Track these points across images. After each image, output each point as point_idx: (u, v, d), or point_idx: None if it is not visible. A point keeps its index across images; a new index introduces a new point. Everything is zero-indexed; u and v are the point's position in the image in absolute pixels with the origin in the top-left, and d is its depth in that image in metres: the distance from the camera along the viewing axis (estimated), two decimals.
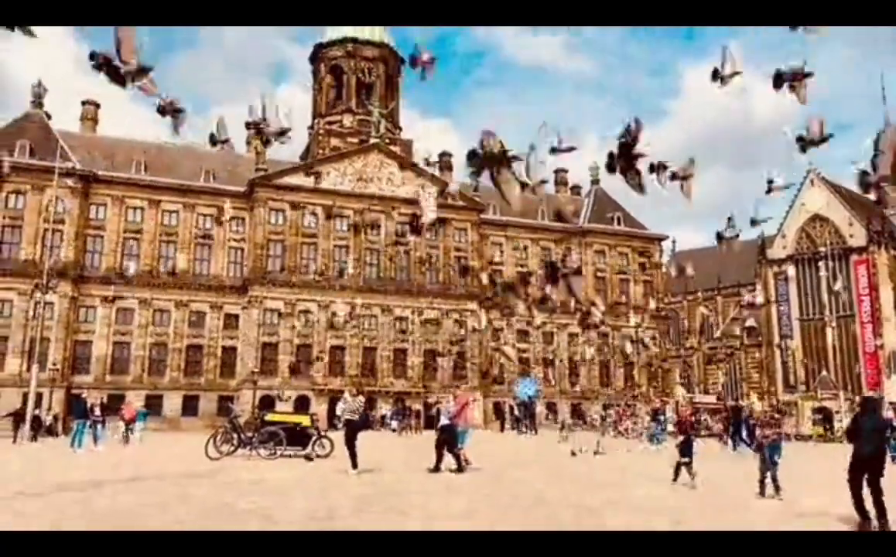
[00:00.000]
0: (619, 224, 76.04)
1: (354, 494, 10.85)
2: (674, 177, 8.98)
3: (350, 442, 14.42)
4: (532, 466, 18.80)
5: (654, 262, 78.00)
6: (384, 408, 56.85)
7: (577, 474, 16.28)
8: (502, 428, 45.86)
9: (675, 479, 13.58)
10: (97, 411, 25.68)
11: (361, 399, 15.16)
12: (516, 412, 47.36)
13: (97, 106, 68.30)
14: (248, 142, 71.11)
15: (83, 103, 67.83)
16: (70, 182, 55.94)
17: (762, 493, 12.07)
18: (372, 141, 68.16)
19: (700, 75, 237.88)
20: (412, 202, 66.92)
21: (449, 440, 14.92)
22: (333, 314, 63.03)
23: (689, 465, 14.41)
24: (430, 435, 38.04)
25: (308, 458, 17.76)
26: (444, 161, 73.46)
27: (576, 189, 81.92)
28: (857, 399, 42.69)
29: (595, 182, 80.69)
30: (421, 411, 48.42)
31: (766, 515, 10.09)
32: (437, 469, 14.67)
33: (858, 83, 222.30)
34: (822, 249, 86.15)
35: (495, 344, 65.53)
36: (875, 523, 8.80)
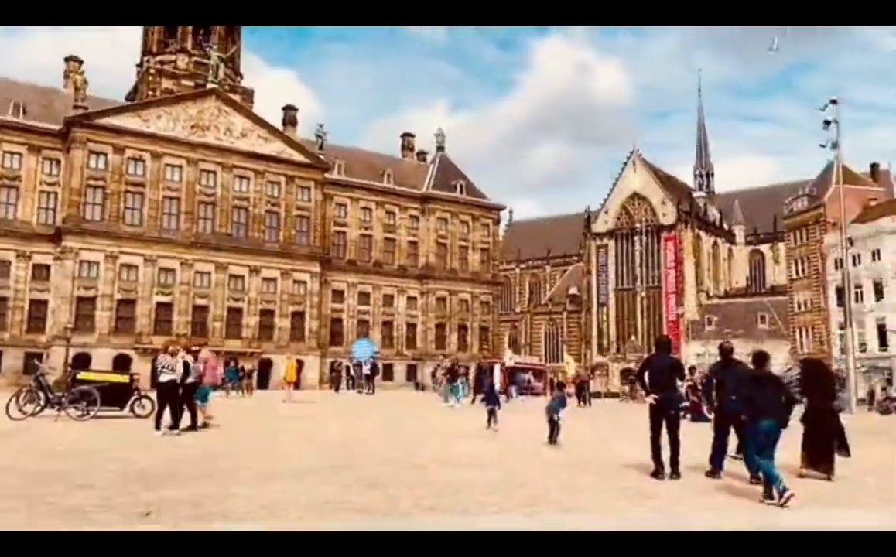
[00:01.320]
0: (461, 192, 78.09)
1: (169, 456, 10.71)
2: None
3: (168, 402, 13.97)
4: (363, 422, 19.34)
5: (493, 231, 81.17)
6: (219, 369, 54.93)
7: (406, 430, 17.01)
8: (336, 389, 46.11)
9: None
10: None
11: (183, 356, 14.67)
12: (352, 372, 47.72)
13: None
14: (67, 77, 64.89)
15: None
16: None
17: (551, 442, 13.39)
18: (209, 86, 64.45)
19: (548, 49, 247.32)
20: (253, 155, 64.70)
21: (189, 397, 14.24)
22: (161, 269, 59.69)
23: (493, 413, 16.96)
24: (264, 396, 37.73)
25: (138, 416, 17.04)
26: (289, 115, 71.37)
27: (422, 154, 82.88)
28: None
29: (440, 149, 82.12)
30: (255, 372, 47.42)
31: (550, 456, 11.38)
32: (175, 426, 13.90)
33: (679, 75, 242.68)
34: (639, 225, 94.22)
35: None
36: (668, 472, 9.29)
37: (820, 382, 11.22)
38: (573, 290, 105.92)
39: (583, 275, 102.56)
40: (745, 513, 7.36)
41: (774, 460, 8.06)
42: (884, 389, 49.16)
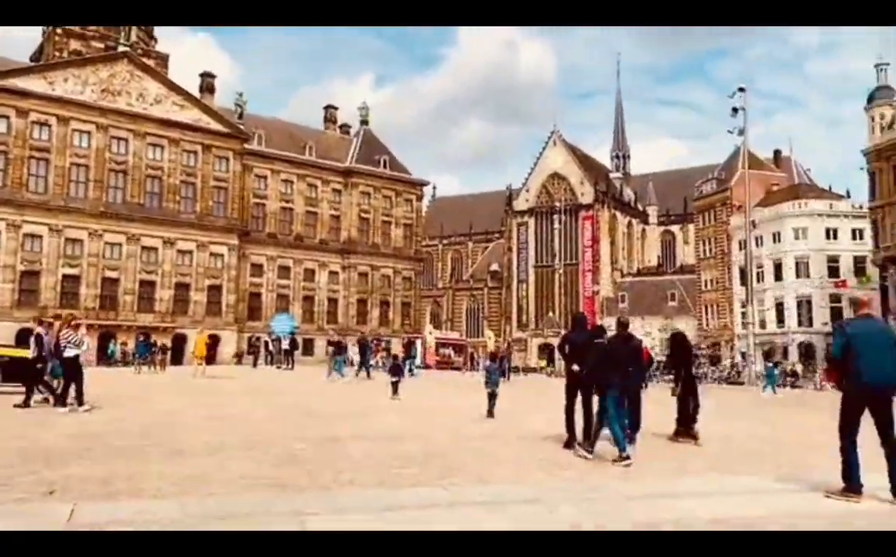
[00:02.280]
0: (385, 167, 77.56)
1: (75, 433, 10.31)
2: None
3: (74, 378, 13.40)
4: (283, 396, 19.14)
5: (416, 206, 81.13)
6: (129, 344, 52.89)
7: (318, 404, 16.95)
8: (255, 364, 45.26)
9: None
10: None
11: (37, 329, 14.08)
12: (271, 347, 46.98)
13: None
14: None
15: None
16: None
17: (490, 415, 13.64)
18: (121, 49, 61.33)
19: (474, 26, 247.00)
20: (167, 122, 62.05)
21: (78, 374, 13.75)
22: (68, 240, 56.77)
23: (396, 385, 19.00)
24: (178, 371, 36.63)
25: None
26: (207, 82, 68.77)
27: (345, 128, 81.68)
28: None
29: (364, 122, 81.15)
30: (169, 346, 45.93)
31: (468, 429, 11.62)
32: (62, 403, 13.45)
33: (601, 57, 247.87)
34: (558, 204, 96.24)
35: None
36: (581, 445, 9.37)
37: (686, 354, 11.89)
38: (494, 267, 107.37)
39: (504, 251, 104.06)
40: (651, 481, 7.77)
41: (620, 425, 8.87)
42: (779, 363, 52.36)
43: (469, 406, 17.13)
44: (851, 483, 6.59)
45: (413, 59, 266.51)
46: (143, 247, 60.33)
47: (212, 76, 69.24)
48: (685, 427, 11.08)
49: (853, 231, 61.52)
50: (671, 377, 11.80)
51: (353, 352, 49.25)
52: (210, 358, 36.27)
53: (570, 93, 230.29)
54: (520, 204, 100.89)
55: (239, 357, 50.37)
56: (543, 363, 67.90)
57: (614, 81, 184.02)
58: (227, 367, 44.71)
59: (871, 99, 55.29)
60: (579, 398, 9.96)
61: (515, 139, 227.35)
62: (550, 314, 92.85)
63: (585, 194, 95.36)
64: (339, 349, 28.67)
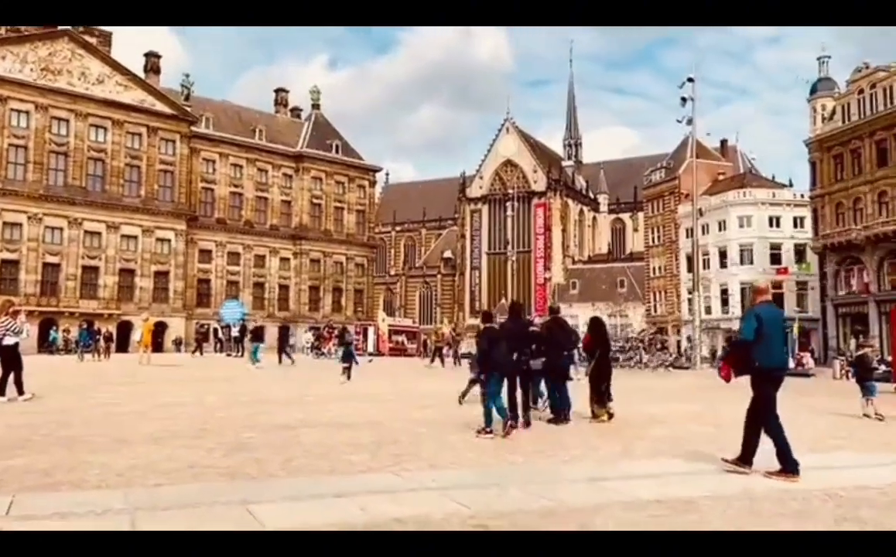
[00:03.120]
0: (337, 152, 76.74)
1: (15, 423, 10.00)
2: None
3: (14, 367, 12.96)
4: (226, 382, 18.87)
5: (369, 192, 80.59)
6: (72, 331, 51.34)
7: (261, 389, 16.78)
8: (200, 352, 44.28)
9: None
10: None
11: (23, 318, 13.61)
12: (220, 334, 46.18)
13: None
14: None
15: None
16: None
17: (462, 401, 13.43)
18: (61, 27, 59.09)
19: None
20: (111, 103, 60.10)
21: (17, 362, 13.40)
22: (5, 224, 54.66)
23: (348, 370, 20.06)
24: (123, 359, 35.74)
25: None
26: (152, 62, 66.78)
27: (296, 111, 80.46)
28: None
29: (316, 106, 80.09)
30: (113, 334, 44.73)
31: (420, 415, 11.68)
32: (1, 393, 13.12)
33: (554, 44, 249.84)
34: (511, 191, 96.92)
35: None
36: (521, 421, 10.34)
37: (603, 337, 12.48)
38: (447, 254, 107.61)
39: (457, 238, 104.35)
40: (595, 464, 7.95)
41: (496, 404, 9.64)
42: (724, 347, 53.92)
43: (422, 392, 17.18)
44: (789, 464, 6.87)
45: (368, 43, 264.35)
46: (86, 232, 58.51)
47: (157, 56, 67.28)
48: (600, 406, 11.70)
49: (795, 219, 63.57)
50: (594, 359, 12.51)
51: (306, 340, 48.99)
52: (157, 346, 35.53)
53: (524, 80, 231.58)
54: (473, 191, 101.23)
55: (178, 344, 49.08)
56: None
57: (567, 69, 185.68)
58: (175, 355, 43.78)
59: (813, 90, 57.06)
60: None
61: (471, 125, 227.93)
62: (503, 301, 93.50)
63: (538, 182, 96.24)
64: (256, 336, 28.36)
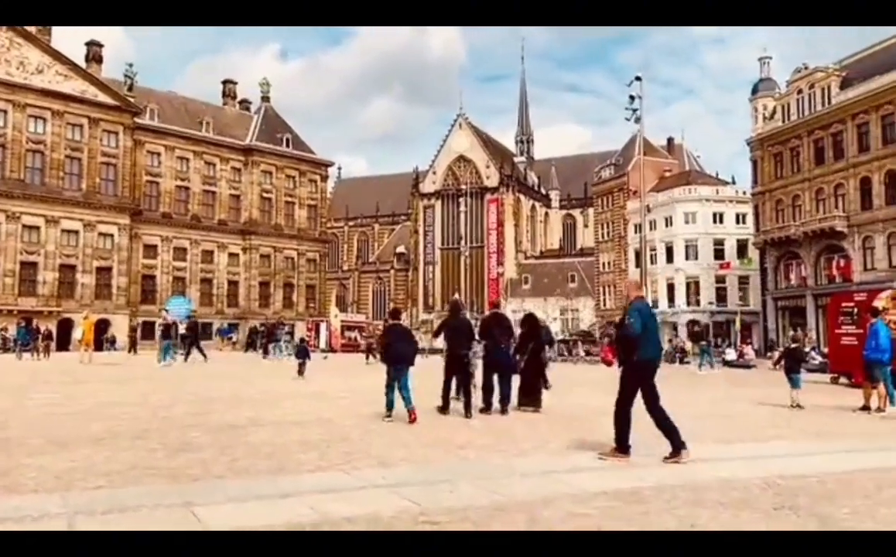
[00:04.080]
0: (287, 145, 75.65)
1: None
2: None
3: None
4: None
5: (321, 187, 79.72)
6: (10, 329, 49.44)
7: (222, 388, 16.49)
8: (135, 350, 42.87)
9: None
10: None
11: None
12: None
13: None
14: None
15: None
16: None
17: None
18: None
19: None
20: (50, 93, 57.94)
21: None
22: None
23: (302, 365, 20.53)
24: (63, 358, 34.56)
25: None
26: (94, 51, 64.61)
27: (245, 103, 79.01)
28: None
29: (266, 99, 78.78)
30: (53, 332, 43.23)
31: (370, 411, 11.64)
32: None
33: (508, 40, 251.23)
34: (464, 187, 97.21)
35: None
36: (462, 408, 11.36)
37: (535, 332, 13.22)
38: (401, 249, 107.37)
39: (411, 234, 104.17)
40: (545, 458, 8.04)
41: (396, 393, 10.58)
42: (670, 341, 55.21)
43: (373, 387, 17.07)
44: (623, 445, 7.55)
45: (320, 35, 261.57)
46: (24, 226, 56.40)
47: (99, 45, 65.13)
48: (529, 398, 12.39)
49: (737, 215, 65.47)
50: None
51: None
52: (99, 344, 34.51)
53: (478, 75, 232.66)
54: (426, 186, 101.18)
55: (112, 341, 47.20)
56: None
57: (515, 64, 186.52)
58: (117, 354, 42.53)
59: (755, 90, 58.79)
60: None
61: (424, 120, 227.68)
62: (456, 296, 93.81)
63: (491, 177, 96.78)
64: (167, 332, 26.73)
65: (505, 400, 11.82)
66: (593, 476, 6.71)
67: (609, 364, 9.10)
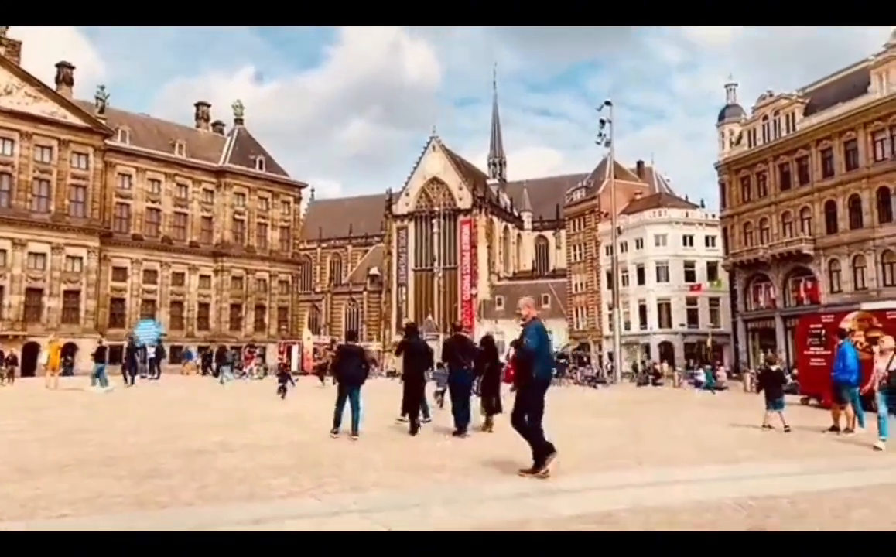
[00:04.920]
0: (261, 167, 75.27)
1: None
2: None
3: None
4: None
5: (294, 209, 79.34)
6: None
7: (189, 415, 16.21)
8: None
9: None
10: None
11: None
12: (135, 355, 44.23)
13: None
14: None
15: None
16: None
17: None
18: None
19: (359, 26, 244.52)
20: (18, 115, 57.02)
21: None
22: None
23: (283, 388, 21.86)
24: (29, 383, 33.73)
25: None
26: (64, 73, 63.75)
27: (218, 126, 78.58)
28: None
29: (239, 121, 78.44)
30: (18, 357, 42.22)
31: (341, 435, 11.52)
32: None
33: (482, 64, 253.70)
34: (437, 208, 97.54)
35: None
36: (422, 420, 12.29)
37: (492, 354, 13.70)
38: (374, 271, 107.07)
39: (384, 255, 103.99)
40: (519, 481, 8.02)
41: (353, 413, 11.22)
42: (643, 362, 55.65)
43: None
44: (546, 457, 7.68)
45: (295, 57, 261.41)
46: None
47: (70, 67, 64.35)
48: (486, 418, 12.76)
49: (706, 238, 66.51)
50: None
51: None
52: (63, 368, 33.74)
53: (452, 98, 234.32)
54: (400, 208, 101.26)
55: (70, 366, 45.43)
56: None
57: (488, 89, 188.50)
58: (85, 378, 41.60)
59: (721, 116, 60.02)
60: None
61: (400, 142, 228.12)
62: (430, 317, 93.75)
63: (464, 199, 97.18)
64: (99, 356, 25.39)
65: (465, 421, 12.07)
66: (567, 500, 6.71)
67: (509, 382, 10.12)
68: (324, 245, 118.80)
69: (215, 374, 37.20)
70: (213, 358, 41.58)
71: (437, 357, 17.17)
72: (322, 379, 32.10)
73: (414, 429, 11.98)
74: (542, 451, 7.76)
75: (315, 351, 53.58)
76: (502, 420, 12.80)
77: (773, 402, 14.29)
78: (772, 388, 14.61)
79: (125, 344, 33.41)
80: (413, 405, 12.31)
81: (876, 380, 11.92)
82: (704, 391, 32.43)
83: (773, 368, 15.54)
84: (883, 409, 11.54)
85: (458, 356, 12.52)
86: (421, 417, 12.68)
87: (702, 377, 38.03)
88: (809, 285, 49.92)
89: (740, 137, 57.10)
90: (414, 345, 12.82)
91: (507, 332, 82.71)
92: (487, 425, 12.61)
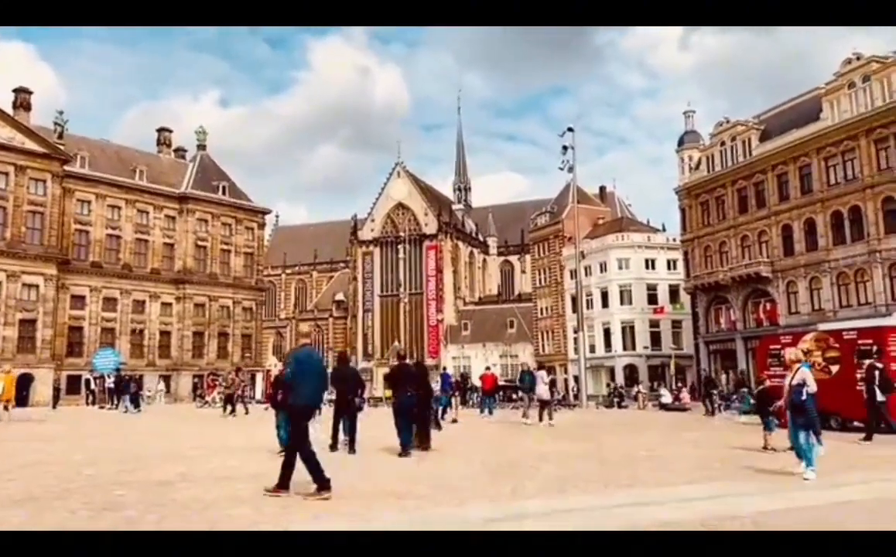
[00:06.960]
0: (224, 193, 74.49)
1: None
2: None
3: None
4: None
5: (258, 235, 78.59)
6: None
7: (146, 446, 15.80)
8: (54, 405, 40.90)
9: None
10: None
11: None
12: (93, 386, 43.19)
13: None
14: None
15: None
16: None
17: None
18: None
19: (326, 50, 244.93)
20: None
21: None
22: None
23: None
24: None
25: None
26: (22, 98, 62.45)
27: (180, 151, 77.68)
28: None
29: (202, 147, 77.68)
30: None
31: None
32: None
33: (448, 89, 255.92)
34: (403, 234, 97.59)
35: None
36: (346, 446, 13.25)
37: (425, 380, 15.25)
38: (340, 296, 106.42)
39: (349, 281, 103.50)
40: (489, 504, 7.96)
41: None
42: (608, 385, 56.08)
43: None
44: (324, 482, 8.13)
45: (260, 82, 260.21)
46: None
47: (28, 92, 63.00)
48: (421, 439, 14.03)
49: (668, 261, 67.65)
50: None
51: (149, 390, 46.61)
52: (21, 400, 32.68)
53: (419, 123, 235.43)
54: (365, 233, 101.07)
55: (53, 398, 44.15)
56: (389, 393, 67.82)
57: (452, 115, 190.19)
58: (42, 409, 40.42)
59: (681, 142, 61.41)
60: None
61: (366, 167, 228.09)
62: (396, 343, 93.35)
63: (429, 224, 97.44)
64: (121, 385, 26.67)
65: (408, 441, 13.10)
66: (536, 523, 6.67)
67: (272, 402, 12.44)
68: (288, 271, 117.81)
69: (135, 404, 34.89)
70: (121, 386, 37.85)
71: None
72: (226, 408, 29.31)
73: (334, 445, 13.30)
74: (318, 478, 8.19)
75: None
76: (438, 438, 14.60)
77: (767, 422, 14.37)
78: (761, 407, 14.72)
79: (85, 375, 32.54)
80: (346, 425, 13.75)
81: (784, 397, 11.44)
82: (670, 412, 32.84)
83: (761, 387, 15.66)
84: (801, 437, 10.54)
85: (400, 384, 13.72)
86: (341, 436, 13.71)
87: (666, 398, 38.47)
88: (768, 307, 51.01)
89: (699, 163, 58.41)
90: (342, 371, 14.33)
91: (472, 357, 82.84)
92: (421, 445, 13.91)
